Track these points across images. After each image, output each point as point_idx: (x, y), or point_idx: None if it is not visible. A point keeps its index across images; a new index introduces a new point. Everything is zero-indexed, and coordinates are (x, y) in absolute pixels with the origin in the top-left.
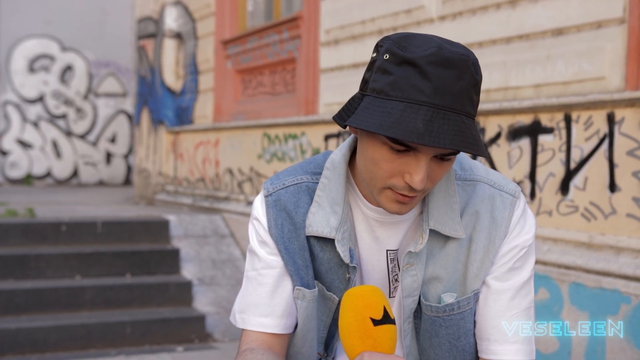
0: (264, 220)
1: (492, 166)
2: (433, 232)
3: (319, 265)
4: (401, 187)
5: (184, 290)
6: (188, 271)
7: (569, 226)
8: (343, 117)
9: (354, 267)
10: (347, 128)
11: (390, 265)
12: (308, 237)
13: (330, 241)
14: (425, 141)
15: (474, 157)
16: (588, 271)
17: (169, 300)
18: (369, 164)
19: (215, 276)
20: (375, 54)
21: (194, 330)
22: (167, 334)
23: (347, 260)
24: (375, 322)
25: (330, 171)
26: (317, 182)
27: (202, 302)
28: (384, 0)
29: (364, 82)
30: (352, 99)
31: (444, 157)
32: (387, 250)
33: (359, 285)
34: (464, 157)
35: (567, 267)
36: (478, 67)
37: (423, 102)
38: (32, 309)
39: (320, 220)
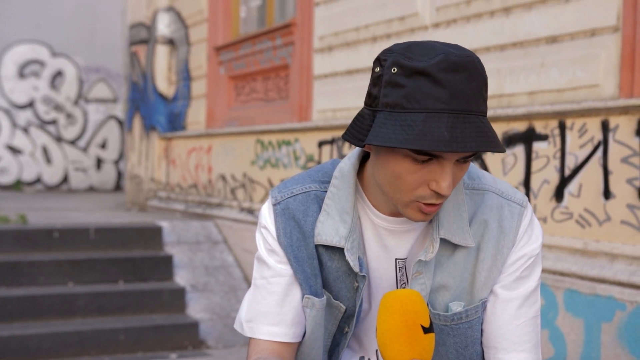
0: (272, 228)
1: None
2: (442, 241)
3: (326, 273)
4: (428, 195)
5: (177, 297)
6: (181, 278)
7: (564, 233)
8: (356, 136)
9: (363, 276)
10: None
11: (398, 274)
12: (316, 246)
13: (339, 250)
14: (453, 148)
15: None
16: (583, 278)
17: (162, 306)
18: (391, 179)
19: (208, 283)
20: (379, 69)
21: (188, 337)
22: (161, 341)
23: (356, 269)
24: (425, 330)
25: (339, 180)
26: (326, 191)
27: (196, 309)
28: (378, 8)
29: (373, 98)
30: (361, 116)
31: (465, 159)
32: (396, 259)
33: (402, 289)
34: (471, 166)
35: (562, 274)
36: (482, 65)
37: (442, 110)
38: (25, 316)
39: (329, 229)
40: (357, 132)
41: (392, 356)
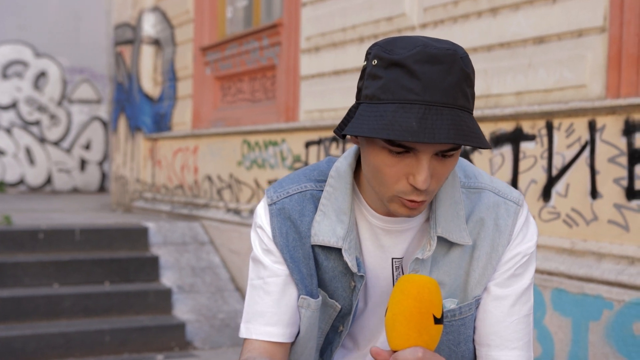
0: (268, 228)
1: None
2: (439, 239)
3: (322, 273)
4: (408, 191)
5: (164, 298)
6: (167, 279)
7: (551, 232)
8: (341, 127)
9: (361, 276)
10: (348, 138)
11: (395, 274)
12: (312, 246)
13: (335, 250)
14: (420, 138)
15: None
16: (570, 277)
17: (149, 308)
18: (373, 172)
19: (194, 284)
20: (365, 62)
21: (174, 338)
22: (147, 342)
23: (354, 269)
24: (436, 321)
25: (335, 180)
26: (322, 190)
27: (182, 310)
28: (365, 8)
29: (358, 90)
30: (350, 110)
31: (445, 154)
32: (392, 259)
33: (421, 275)
34: (467, 165)
35: (550, 273)
36: (468, 61)
37: (414, 101)
38: (10, 317)
39: (326, 229)
40: (343, 124)
41: (397, 338)
